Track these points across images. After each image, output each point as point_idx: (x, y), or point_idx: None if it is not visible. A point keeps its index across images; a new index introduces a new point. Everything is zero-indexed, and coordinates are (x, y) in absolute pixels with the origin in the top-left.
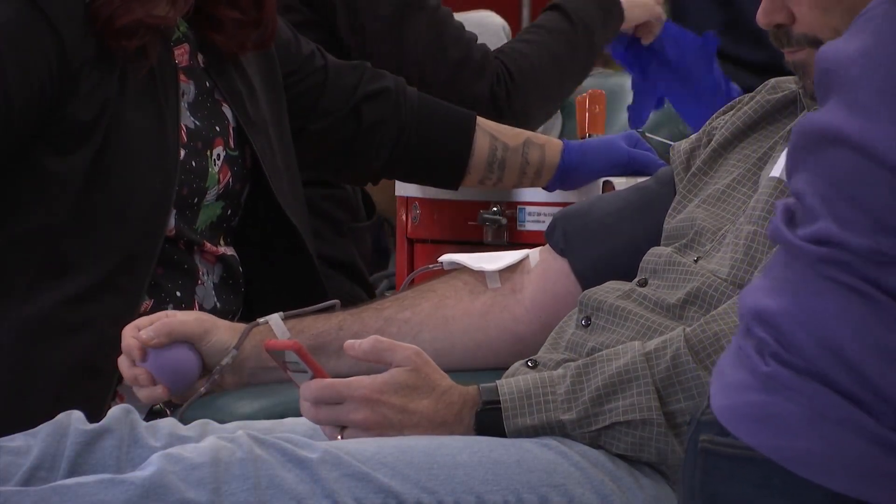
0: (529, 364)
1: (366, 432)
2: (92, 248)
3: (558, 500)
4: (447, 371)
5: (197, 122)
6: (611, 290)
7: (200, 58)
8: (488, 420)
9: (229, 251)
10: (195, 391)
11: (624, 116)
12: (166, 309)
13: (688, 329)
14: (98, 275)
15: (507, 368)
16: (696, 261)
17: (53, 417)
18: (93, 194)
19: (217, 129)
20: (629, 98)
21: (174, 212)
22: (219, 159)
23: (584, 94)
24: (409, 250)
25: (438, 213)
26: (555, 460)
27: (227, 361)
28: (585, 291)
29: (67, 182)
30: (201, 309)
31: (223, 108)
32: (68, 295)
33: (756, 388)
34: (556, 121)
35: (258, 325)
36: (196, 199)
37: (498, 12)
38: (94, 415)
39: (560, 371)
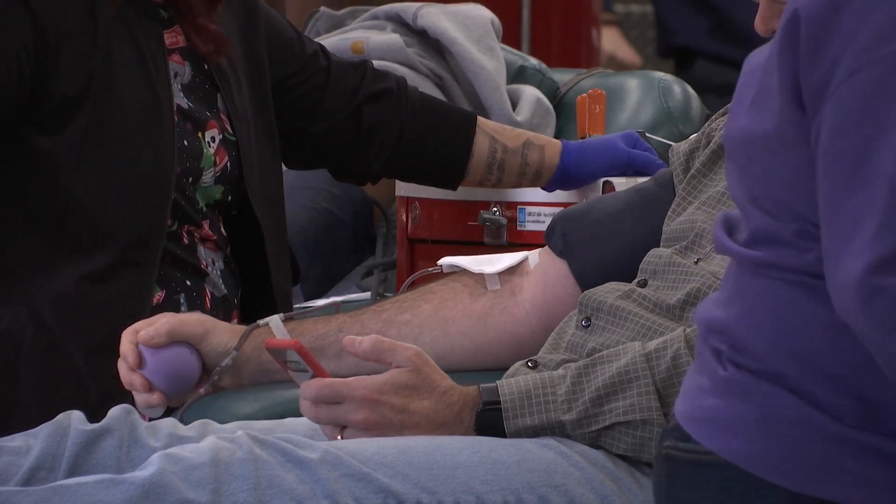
0: (529, 365)
1: (366, 432)
2: (100, 226)
3: (558, 501)
4: (447, 373)
5: (190, 104)
6: (610, 291)
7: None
8: (488, 420)
9: (226, 233)
10: (195, 392)
11: (624, 116)
12: (178, 299)
13: (688, 330)
14: (112, 253)
15: (507, 369)
16: (696, 262)
17: (75, 398)
18: (90, 171)
19: (208, 113)
20: (629, 98)
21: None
22: (213, 142)
23: (584, 95)
24: (409, 250)
25: (438, 213)
26: (555, 460)
27: (228, 363)
28: (585, 292)
29: (60, 160)
30: (213, 298)
31: (217, 95)
32: (85, 274)
33: (714, 392)
34: (550, 118)
35: (258, 326)
36: (191, 179)
37: (498, 12)
38: (114, 396)
39: (560, 371)
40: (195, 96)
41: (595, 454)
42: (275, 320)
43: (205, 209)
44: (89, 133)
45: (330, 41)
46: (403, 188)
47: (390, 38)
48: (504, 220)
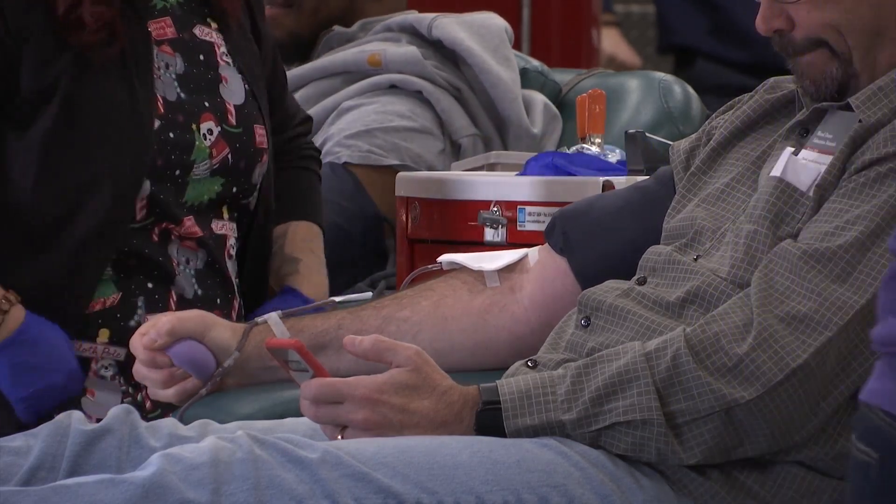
0: (529, 364)
1: (366, 432)
2: (59, 221)
3: (558, 501)
4: (447, 371)
5: (182, 95)
6: (610, 290)
7: (200, 30)
8: (488, 420)
9: (223, 230)
10: (196, 392)
11: (624, 116)
12: (135, 301)
13: (688, 329)
14: (63, 252)
15: (507, 368)
16: (695, 259)
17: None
18: (54, 166)
19: (207, 104)
20: (630, 98)
21: (147, 182)
22: (210, 134)
23: (585, 95)
24: (409, 250)
25: (438, 213)
26: (555, 460)
27: (230, 363)
28: (584, 291)
29: (23, 156)
30: (180, 299)
31: (227, 85)
32: (34, 271)
33: None
34: (557, 123)
35: (257, 324)
36: (178, 172)
37: (498, 13)
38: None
39: (560, 371)
40: (192, 86)
41: (595, 454)
42: (273, 318)
43: (191, 204)
44: (55, 130)
45: (345, 54)
46: (403, 188)
47: (408, 50)
48: (504, 220)
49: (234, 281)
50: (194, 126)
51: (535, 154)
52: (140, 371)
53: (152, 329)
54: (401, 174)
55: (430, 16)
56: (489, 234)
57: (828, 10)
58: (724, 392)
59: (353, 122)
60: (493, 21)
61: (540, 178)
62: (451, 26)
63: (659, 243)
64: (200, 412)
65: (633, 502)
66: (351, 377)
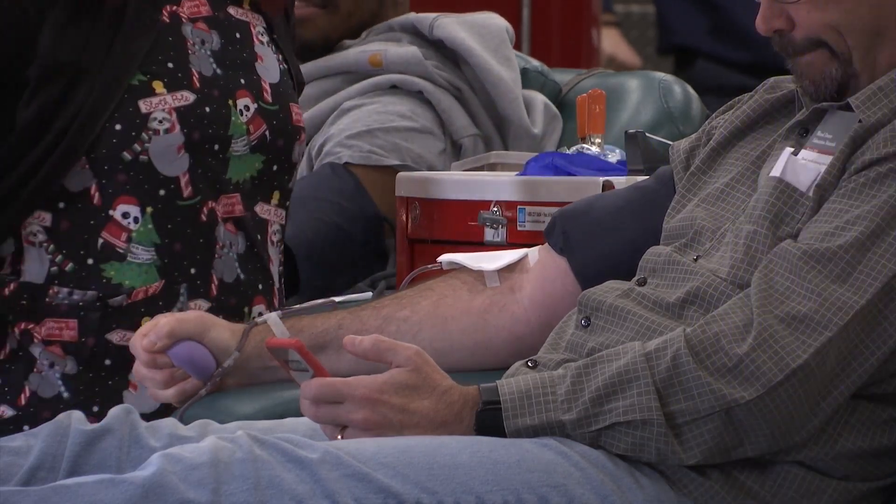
0: (529, 364)
1: (366, 432)
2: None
3: (558, 501)
4: (447, 371)
5: (218, 71)
6: (610, 290)
7: (235, 10)
8: (488, 420)
9: (267, 215)
10: (196, 392)
11: (624, 116)
12: (178, 289)
13: (688, 329)
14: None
15: (507, 368)
16: (695, 260)
17: None
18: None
19: (243, 81)
20: (630, 98)
21: (187, 155)
22: (247, 110)
23: (585, 95)
24: (409, 250)
25: (438, 213)
26: (554, 460)
27: (230, 363)
28: (585, 291)
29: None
30: (221, 283)
31: (263, 63)
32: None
33: None
34: (557, 123)
35: (257, 324)
36: (217, 147)
37: (498, 13)
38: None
39: (560, 371)
40: (227, 63)
41: (595, 454)
42: (272, 318)
43: (236, 182)
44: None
45: (346, 54)
46: (403, 188)
47: (409, 50)
48: (504, 220)
49: (278, 269)
50: (230, 102)
51: (536, 154)
52: (140, 371)
53: (152, 331)
54: (401, 174)
55: (431, 16)
56: (489, 234)
57: (828, 11)
58: (724, 392)
59: (353, 123)
60: (495, 21)
61: (540, 178)
62: (453, 26)
63: (659, 243)
64: (200, 412)
65: (633, 502)
66: (351, 377)
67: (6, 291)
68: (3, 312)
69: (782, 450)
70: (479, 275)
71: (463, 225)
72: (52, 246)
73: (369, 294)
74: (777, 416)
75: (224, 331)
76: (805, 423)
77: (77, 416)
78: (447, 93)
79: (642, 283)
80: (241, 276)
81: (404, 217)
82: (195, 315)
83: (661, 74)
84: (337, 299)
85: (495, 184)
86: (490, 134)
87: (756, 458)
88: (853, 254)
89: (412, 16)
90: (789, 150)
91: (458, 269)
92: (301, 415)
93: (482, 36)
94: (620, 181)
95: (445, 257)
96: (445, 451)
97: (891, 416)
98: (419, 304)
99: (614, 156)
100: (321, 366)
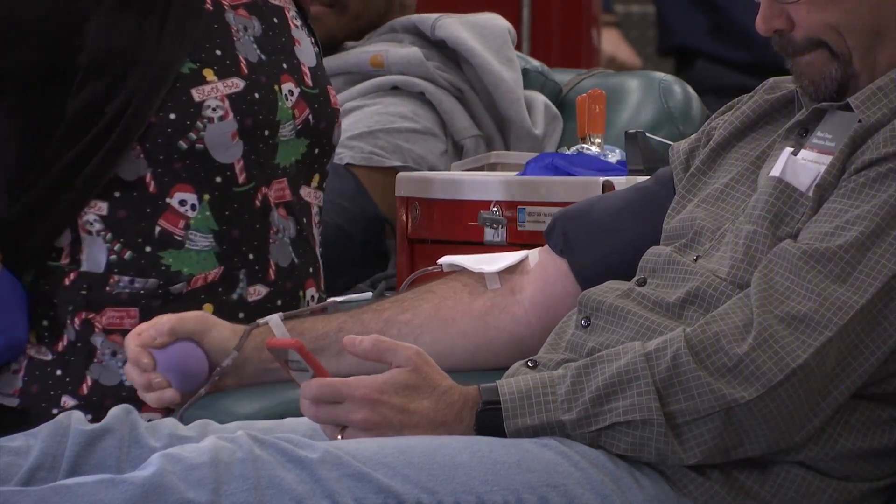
0: (529, 364)
1: (366, 432)
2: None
3: (558, 501)
4: (448, 372)
5: (262, 56)
6: (610, 290)
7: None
8: (488, 420)
9: (309, 198)
10: (196, 392)
11: (624, 117)
12: (237, 275)
13: (688, 329)
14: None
15: (508, 369)
16: (695, 260)
17: None
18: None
19: (285, 66)
20: (630, 98)
21: (241, 143)
22: (291, 94)
23: (585, 95)
24: (409, 250)
25: (438, 213)
26: (555, 460)
27: (228, 363)
28: (585, 292)
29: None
30: (278, 268)
31: (301, 47)
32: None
33: None
34: (558, 124)
35: (258, 326)
36: (267, 132)
37: (498, 13)
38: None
39: (560, 371)
40: (270, 48)
41: (595, 454)
42: (274, 319)
43: (283, 166)
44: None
45: (347, 55)
46: (403, 188)
47: (410, 51)
48: (504, 220)
49: (318, 250)
50: (276, 87)
51: (536, 154)
52: (129, 372)
53: (153, 327)
54: (401, 174)
55: (433, 16)
56: (489, 234)
57: (828, 11)
58: (724, 392)
59: (355, 124)
60: (496, 22)
61: (540, 179)
62: (455, 27)
63: (659, 244)
64: (200, 412)
65: (633, 502)
66: (351, 377)
67: (66, 281)
68: (63, 303)
69: (782, 450)
70: (480, 277)
71: (463, 225)
72: (109, 234)
73: (369, 294)
74: (777, 416)
75: (225, 331)
76: (805, 423)
77: (77, 416)
78: (449, 94)
79: (642, 283)
80: (296, 261)
81: (404, 217)
82: (196, 315)
83: (661, 74)
84: (338, 299)
85: (495, 184)
86: (492, 135)
87: (756, 459)
88: (853, 254)
89: (414, 16)
90: (789, 150)
91: (459, 271)
92: (301, 415)
93: (484, 37)
94: (620, 181)
95: (445, 259)
96: (445, 451)
97: (891, 416)
98: (420, 308)
99: (614, 156)
100: (321, 366)
